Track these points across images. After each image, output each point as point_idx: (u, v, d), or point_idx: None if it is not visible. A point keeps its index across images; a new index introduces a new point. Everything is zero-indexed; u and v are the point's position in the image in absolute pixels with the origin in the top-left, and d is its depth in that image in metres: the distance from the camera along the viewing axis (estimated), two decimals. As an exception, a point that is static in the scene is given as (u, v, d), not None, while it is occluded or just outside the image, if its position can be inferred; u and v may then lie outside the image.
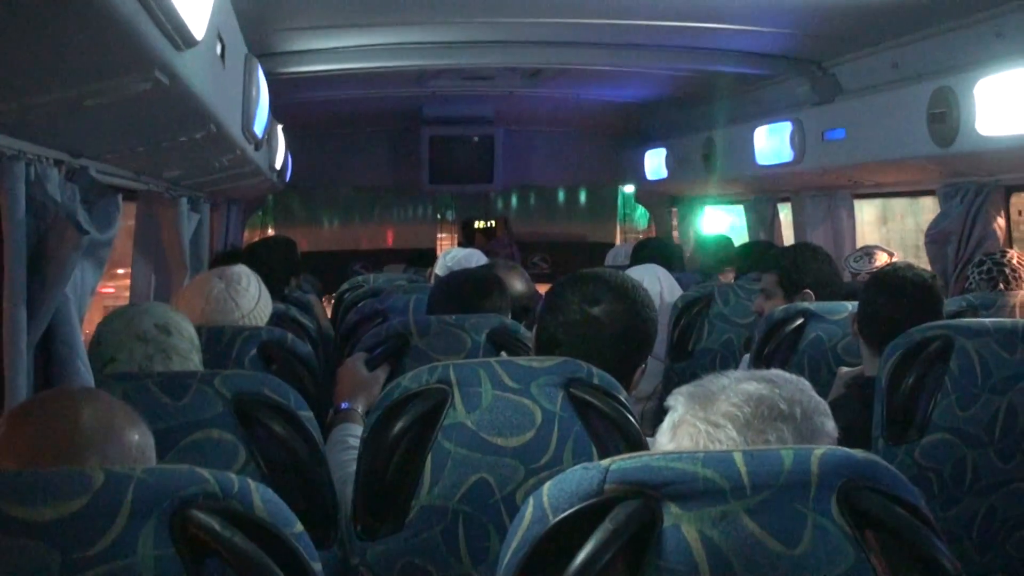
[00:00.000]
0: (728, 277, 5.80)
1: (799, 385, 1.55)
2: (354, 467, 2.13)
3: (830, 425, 1.54)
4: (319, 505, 2.10)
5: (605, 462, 1.29)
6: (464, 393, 2.05)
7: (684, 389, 1.58)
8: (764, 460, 1.28)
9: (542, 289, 6.89)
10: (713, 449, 1.48)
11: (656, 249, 5.83)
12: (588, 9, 4.17)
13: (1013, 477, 2.85)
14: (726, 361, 4.41)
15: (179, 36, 1.50)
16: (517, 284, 3.77)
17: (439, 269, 4.83)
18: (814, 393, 1.56)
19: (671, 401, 1.59)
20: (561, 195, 9.99)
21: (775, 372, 1.57)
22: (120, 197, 2.16)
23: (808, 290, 3.84)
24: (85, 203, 2.07)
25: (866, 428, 2.88)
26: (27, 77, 1.41)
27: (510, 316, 3.23)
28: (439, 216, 10.00)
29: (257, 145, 3.58)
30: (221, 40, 2.31)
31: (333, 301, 5.78)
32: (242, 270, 3.13)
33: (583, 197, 9.97)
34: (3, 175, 1.73)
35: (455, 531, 2.03)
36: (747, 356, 3.85)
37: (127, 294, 4.06)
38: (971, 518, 2.86)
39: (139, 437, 1.46)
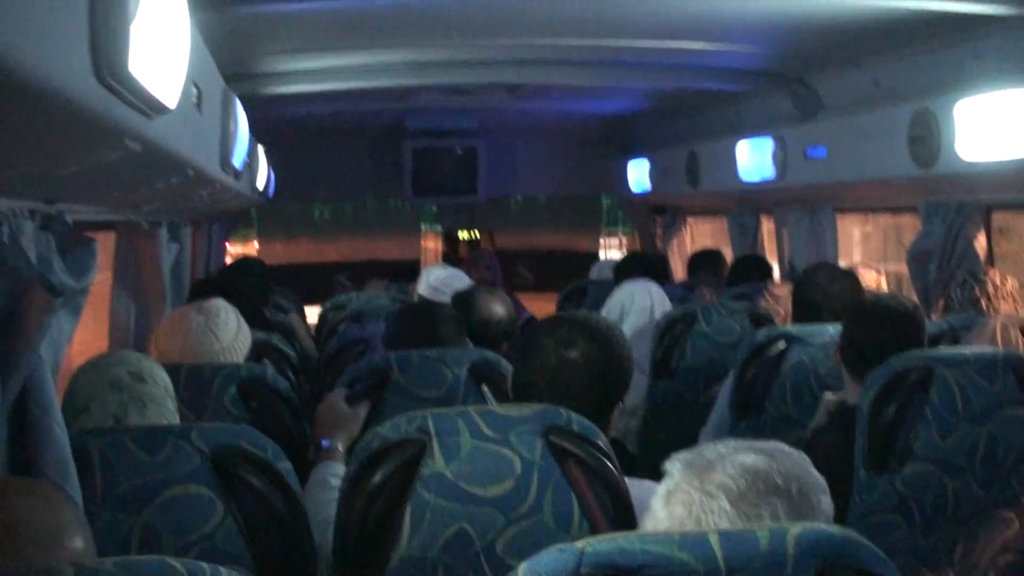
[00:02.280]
0: (707, 293, 5.80)
1: (798, 460, 1.54)
2: (335, 508, 2.13)
3: (826, 502, 1.53)
4: (297, 556, 2.10)
5: (580, 544, 1.28)
6: (443, 443, 2.04)
7: (682, 456, 1.57)
8: (740, 541, 1.28)
9: (526, 300, 6.89)
10: (706, 520, 1.48)
11: (641, 264, 5.84)
12: (568, 29, 4.17)
13: (994, 505, 2.86)
14: (709, 381, 4.41)
15: (150, 108, 1.49)
16: (498, 310, 3.77)
17: (422, 288, 4.83)
18: (813, 469, 1.55)
19: (668, 467, 1.58)
20: (545, 205, 9.99)
21: (775, 445, 1.57)
22: (96, 245, 2.14)
23: None
24: (61, 251, 2.05)
25: (848, 457, 2.88)
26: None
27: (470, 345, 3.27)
28: (423, 227, 9.99)
29: (237, 175, 3.57)
30: (197, 86, 2.29)
31: (318, 316, 5.76)
32: (220, 303, 3.11)
33: (567, 207, 9.97)
34: (-27, 236, 1.72)
35: (435, 582, 2.03)
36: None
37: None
38: (952, 545, 2.86)
39: (83, 544, 1.42)
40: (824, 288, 3.88)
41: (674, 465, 1.55)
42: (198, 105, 2.32)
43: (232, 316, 3.13)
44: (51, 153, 1.44)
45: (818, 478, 1.54)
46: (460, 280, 4.67)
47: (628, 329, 4.83)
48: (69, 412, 2.25)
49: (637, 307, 4.97)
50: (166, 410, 2.37)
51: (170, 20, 1.57)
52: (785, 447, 1.56)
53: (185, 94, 1.95)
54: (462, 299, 3.87)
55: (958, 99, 3.72)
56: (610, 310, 4.95)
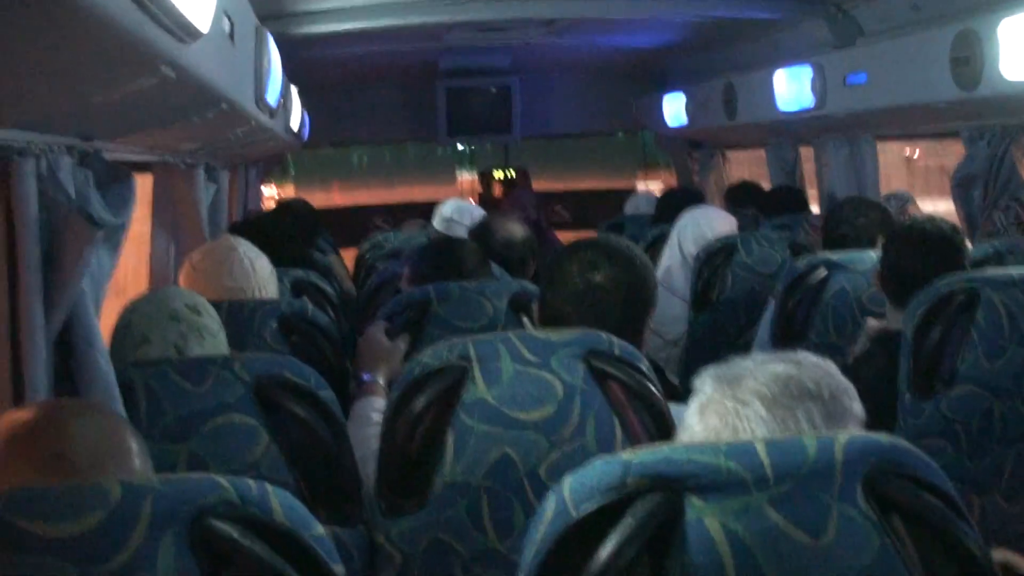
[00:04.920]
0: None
1: (825, 367, 1.54)
2: (376, 444, 2.14)
3: (857, 407, 1.53)
4: (342, 484, 2.10)
5: (627, 455, 1.27)
6: (484, 368, 2.05)
7: (711, 371, 1.57)
8: (787, 450, 1.26)
9: (564, 237, 6.85)
10: (742, 427, 1.47)
11: (684, 198, 5.79)
12: (602, -41, 4.12)
13: (1042, 427, 2.84)
14: (750, 312, 4.38)
15: (183, 31, 1.48)
16: (516, 229, 3.77)
17: (437, 222, 4.82)
18: (840, 375, 1.55)
19: (698, 383, 1.58)
20: (580, 143, 9.90)
21: (801, 354, 1.56)
22: (134, 181, 2.14)
23: None
24: (99, 187, 2.05)
25: (892, 382, 2.86)
26: (31, 79, 1.39)
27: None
28: (458, 169, 9.96)
29: (272, 113, 3.56)
30: (229, 19, 2.28)
31: (356, 256, 5.77)
32: (240, 239, 3.07)
33: (603, 144, 9.88)
34: (13, 171, 1.72)
35: (479, 506, 2.04)
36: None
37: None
38: (1000, 468, 2.84)
39: (140, 465, 1.42)
40: (852, 221, 3.85)
41: (704, 380, 1.55)
42: (231, 37, 2.31)
43: (257, 250, 3.09)
44: (87, 79, 1.44)
45: (846, 383, 1.55)
46: (475, 209, 4.67)
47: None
48: (128, 344, 2.25)
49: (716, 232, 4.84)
50: (220, 343, 2.38)
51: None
52: (810, 356, 1.56)
53: (217, 23, 1.93)
54: (481, 228, 3.88)
55: (1002, 18, 3.63)
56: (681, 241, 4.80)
